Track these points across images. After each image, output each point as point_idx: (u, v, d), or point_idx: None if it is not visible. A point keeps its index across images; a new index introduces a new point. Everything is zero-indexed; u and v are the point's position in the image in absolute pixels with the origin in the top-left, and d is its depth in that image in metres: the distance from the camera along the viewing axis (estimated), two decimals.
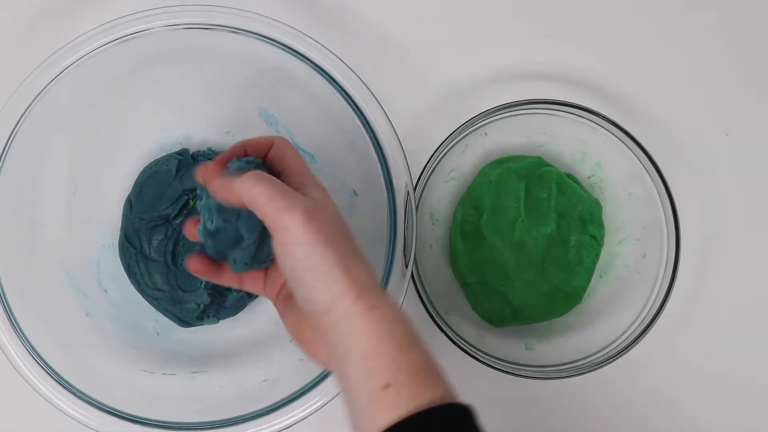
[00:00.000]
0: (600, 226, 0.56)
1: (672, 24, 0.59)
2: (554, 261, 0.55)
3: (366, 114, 0.48)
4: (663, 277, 0.52)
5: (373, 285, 0.38)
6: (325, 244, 0.36)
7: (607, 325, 0.54)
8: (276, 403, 0.47)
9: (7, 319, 0.47)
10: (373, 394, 0.35)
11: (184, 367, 0.53)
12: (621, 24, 0.59)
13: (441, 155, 0.53)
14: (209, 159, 0.54)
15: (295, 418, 0.47)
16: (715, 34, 0.59)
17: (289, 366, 0.50)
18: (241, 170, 0.39)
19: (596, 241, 0.55)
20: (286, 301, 0.41)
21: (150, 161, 0.55)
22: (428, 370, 0.36)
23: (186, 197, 0.54)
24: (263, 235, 0.40)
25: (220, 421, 0.47)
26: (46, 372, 0.47)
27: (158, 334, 0.54)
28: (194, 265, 0.43)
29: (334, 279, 0.36)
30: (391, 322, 0.36)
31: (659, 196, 0.53)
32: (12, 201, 0.49)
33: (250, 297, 0.55)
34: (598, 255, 0.56)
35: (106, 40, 0.47)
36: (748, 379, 0.57)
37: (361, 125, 0.48)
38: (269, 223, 0.37)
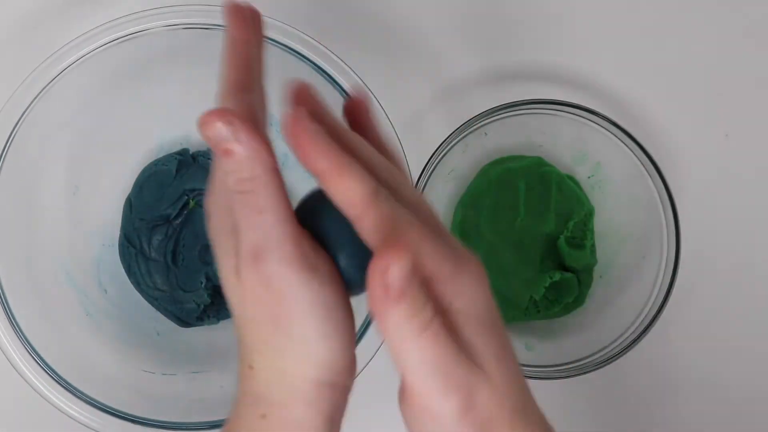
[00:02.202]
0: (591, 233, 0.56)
1: (672, 24, 0.59)
2: (553, 261, 0.55)
3: None
4: (663, 277, 0.52)
5: None
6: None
7: (607, 325, 0.54)
8: None
9: (7, 319, 0.47)
10: None
11: (184, 367, 0.53)
12: (621, 24, 0.58)
13: (441, 155, 0.52)
14: (209, 159, 0.54)
15: None
16: (715, 34, 0.59)
17: None
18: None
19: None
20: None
21: (150, 161, 0.55)
22: None
23: (186, 197, 0.54)
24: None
25: (220, 421, 0.47)
26: (46, 372, 0.46)
27: (158, 334, 0.54)
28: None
29: None
30: None
31: (659, 196, 0.52)
32: (12, 201, 0.49)
33: None
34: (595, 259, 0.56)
35: (106, 40, 0.47)
36: (748, 379, 0.57)
37: None
38: (408, 389, 0.29)
